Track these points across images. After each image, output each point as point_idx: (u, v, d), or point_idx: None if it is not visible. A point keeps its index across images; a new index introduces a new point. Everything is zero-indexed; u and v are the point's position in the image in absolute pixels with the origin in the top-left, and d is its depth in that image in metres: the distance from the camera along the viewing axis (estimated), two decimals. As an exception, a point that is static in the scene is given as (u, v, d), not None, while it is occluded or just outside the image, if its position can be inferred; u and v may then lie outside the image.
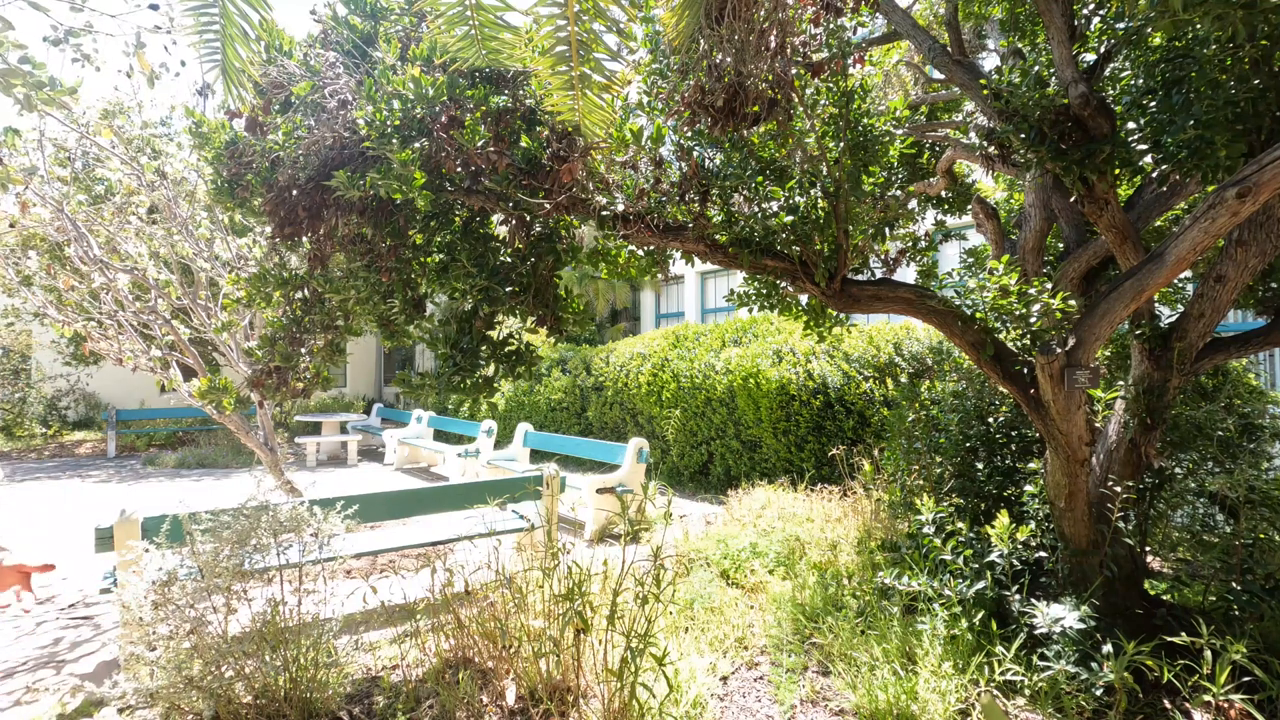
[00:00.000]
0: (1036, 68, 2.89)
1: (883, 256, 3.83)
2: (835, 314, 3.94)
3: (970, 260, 4.45)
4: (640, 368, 8.59)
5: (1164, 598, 3.37)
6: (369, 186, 2.96)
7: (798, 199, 3.10)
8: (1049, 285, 2.74)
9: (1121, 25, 2.86)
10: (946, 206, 4.69)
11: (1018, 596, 2.86)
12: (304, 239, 3.71)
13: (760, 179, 3.14)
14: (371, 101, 2.85)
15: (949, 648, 2.78)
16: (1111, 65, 3.04)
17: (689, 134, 3.20)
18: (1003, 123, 2.67)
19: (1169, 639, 2.62)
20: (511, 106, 2.96)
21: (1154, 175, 2.79)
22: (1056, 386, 2.66)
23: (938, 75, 4.48)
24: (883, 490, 4.64)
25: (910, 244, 4.41)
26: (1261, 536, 3.17)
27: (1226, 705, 2.49)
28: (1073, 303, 2.65)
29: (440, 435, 10.96)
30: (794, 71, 2.77)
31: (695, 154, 3.23)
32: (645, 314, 14.44)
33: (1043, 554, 3.15)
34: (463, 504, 3.84)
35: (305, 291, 3.95)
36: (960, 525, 3.11)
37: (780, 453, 6.78)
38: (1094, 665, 2.50)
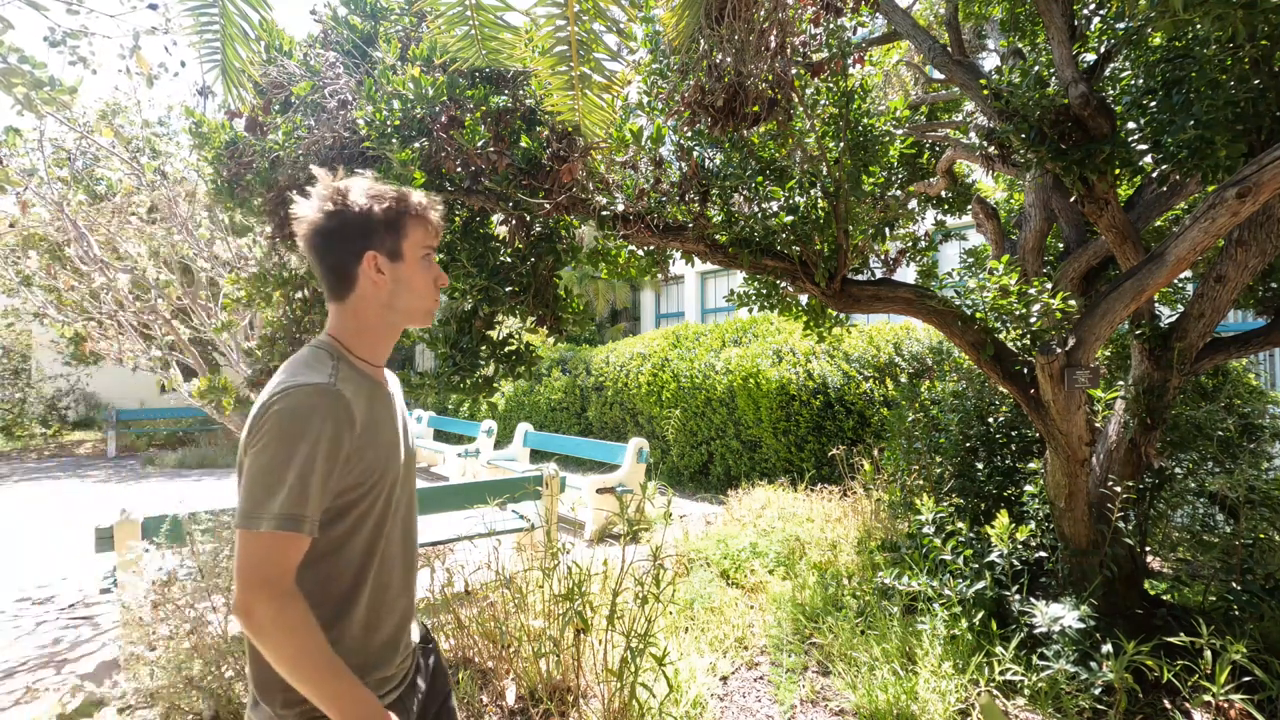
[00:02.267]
0: (1036, 68, 2.89)
1: (883, 256, 3.84)
2: (835, 314, 3.94)
3: (970, 260, 4.45)
4: (640, 368, 8.59)
5: (1164, 598, 3.37)
6: (369, 186, 2.96)
7: (798, 199, 3.10)
8: (1049, 285, 2.74)
9: (1121, 25, 2.86)
10: (946, 206, 4.69)
11: (1018, 596, 2.86)
12: (304, 239, 3.70)
13: (760, 179, 3.14)
14: (371, 101, 2.85)
15: (949, 648, 2.78)
16: (1111, 65, 3.04)
17: (689, 134, 3.20)
18: (1003, 123, 2.67)
19: (1169, 639, 2.62)
20: (511, 106, 2.96)
21: (1154, 175, 2.79)
22: (1056, 386, 2.66)
23: (938, 75, 4.48)
24: (883, 490, 4.64)
25: (910, 244, 4.41)
26: (1261, 536, 3.17)
27: (1226, 705, 2.49)
28: (1073, 303, 2.65)
29: (440, 435, 10.96)
30: (794, 71, 2.77)
31: (695, 154, 3.23)
32: (645, 314, 14.44)
33: (1043, 554, 3.15)
34: (463, 504, 3.84)
35: (305, 291, 3.95)
36: (960, 525, 3.11)
37: (780, 453, 6.78)
38: (1094, 665, 2.50)
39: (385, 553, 1.15)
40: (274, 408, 0.99)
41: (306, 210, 1.12)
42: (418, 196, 1.16)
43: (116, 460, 10.92)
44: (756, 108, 2.69)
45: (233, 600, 0.97)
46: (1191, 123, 2.29)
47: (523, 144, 2.90)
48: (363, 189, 1.12)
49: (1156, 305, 3.45)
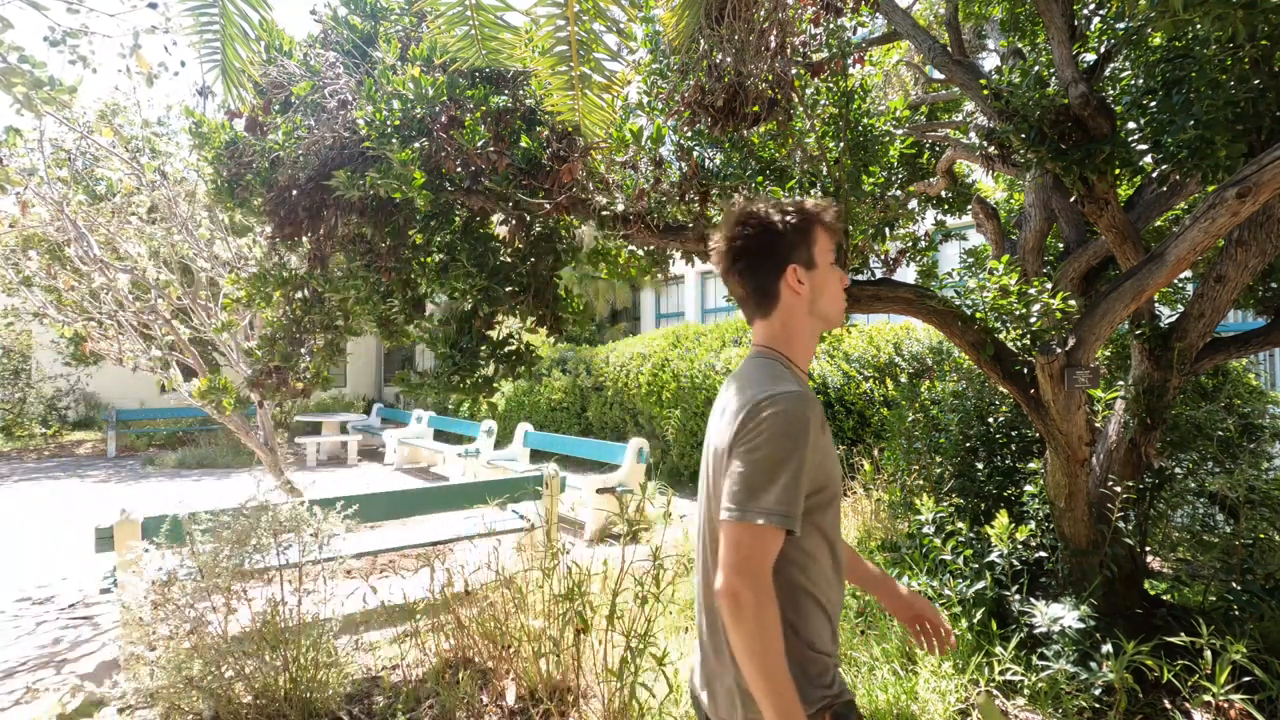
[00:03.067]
0: (1036, 68, 2.89)
1: (883, 256, 3.83)
2: (835, 314, 3.93)
3: (970, 260, 4.45)
4: (640, 368, 8.59)
5: (1164, 598, 3.37)
6: (369, 186, 2.96)
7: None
8: (1049, 285, 2.74)
9: (1121, 25, 2.86)
10: (946, 206, 4.69)
11: (1018, 596, 2.86)
12: (304, 239, 3.71)
13: (760, 179, 3.14)
14: (371, 101, 2.85)
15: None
16: (1111, 65, 3.04)
17: (689, 134, 3.20)
18: (1003, 123, 2.67)
19: (1169, 639, 2.62)
20: (511, 106, 2.96)
21: (1154, 175, 2.79)
22: (1056, 386, 2.66)
23: (938, 75, 4.48)
24: (883, 490, 4.64)
25: (910, 244, 4.40)
26: (1261, 536, 3.17)
27: (1226, 705, 2.49)
28: (1073, 303, 2.65)
29: (440, 435, 10.97)
30: (794, 71, 2.77)
31: (695, 154, 3.23)
32: (645, 314, 14.44)
33: (1043, 554, 3.15)
34: (463, 504, 3.84)
35: (305, 291, 3.96)
36: (960, 525, 3.11)
37: (780, 453, 6.77)
38: (1094, 665, 2.50)
39: (837, 558, 1.20)
40: (767, 411, 1.06)
41: (726, 240, 1.21)
42: (819, 204, 1.22)
43: (116, 460, 10.91)
44: (756, 108, 2.69)
45: (718, 586, 1.03)
46: (1191, 123, 2.29)
47: (523, 144, 2.91)
48: (772, 207, 1.20)
49: (1156, 305, 3.45)
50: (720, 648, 1.16)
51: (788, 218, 1.18)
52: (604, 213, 3.04)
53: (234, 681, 2.50)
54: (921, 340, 6.22)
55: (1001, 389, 3.60)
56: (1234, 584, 2.99)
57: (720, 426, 1.15)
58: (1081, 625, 2.54)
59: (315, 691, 2.59)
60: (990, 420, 3.88)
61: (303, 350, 4.00)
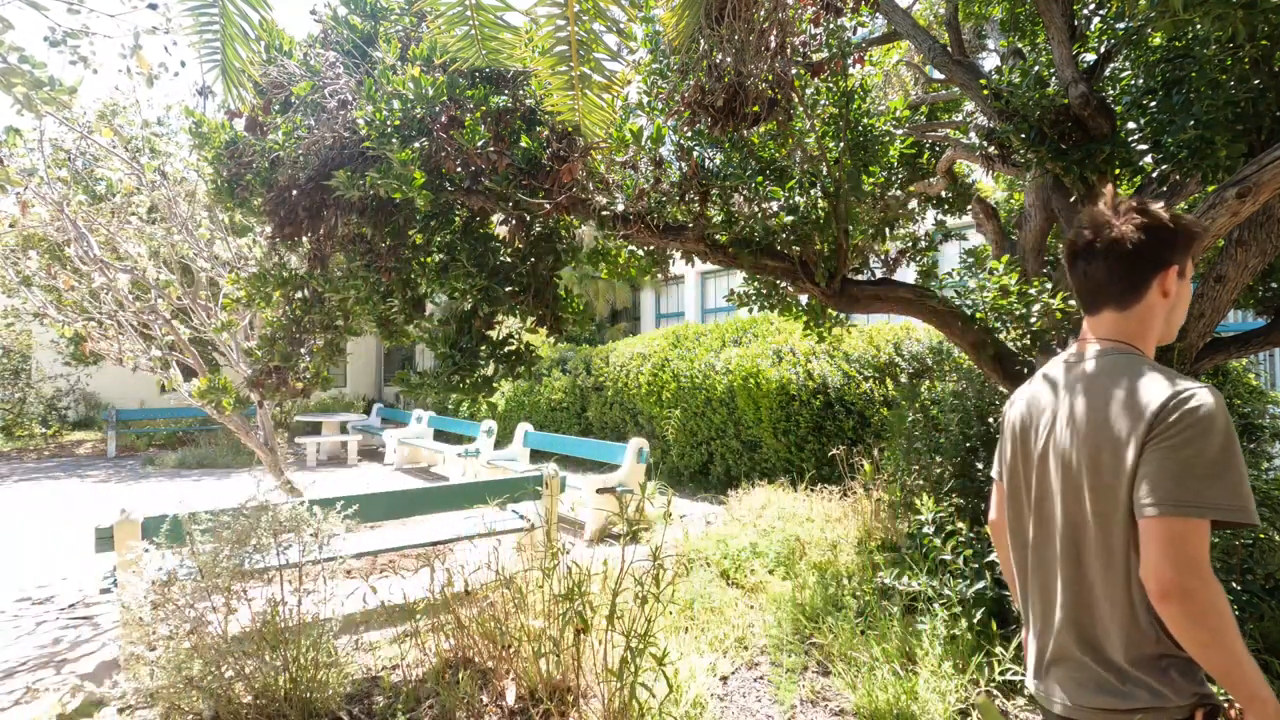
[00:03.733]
0: (1036, 68, 2.89)
1: (883, 256, 3.84)
2: (835, 314, 3.94)
3: (970, 260, 4.45)
4: (640, 368, 8.59)
5: (1164, 598, 3.36)
6: (369, 186, 2.96)
7: (798, 199, 3.10)
8: (1049, 285, 2.74)
9: (1121, 25, 2.86)
10: (946, 206, 4.69)
11: (1018, 596, 2.85)
12: (304, 239, 3.71)
13: (760, 179, 3.14)
14: (371, 101, 2.85)
15: (949, 648, 2.78)
16: (1111, 65, 3.04)
17: (689, 134, 3.21)
18: (1003, 123, 2.67)
19: (1169, 639, 2.62)
20: (511, 106, 2.96)
21: (1154, 175, 2.79)
22: (1056, 386, 2.66)
23: (938, 75, 4.48)
24: (883, 490, 4.64)
25: (910, 244, 4.41)
26: (1261, 536, 3.17)
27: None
28: (1073, 302, 2.65)
29: (440, 435, 10.97)
30: (794, 71, 2.77)
31: (695, 154, 3.23)
32: (645, 314, 14.44)
33: (1043, 554, 3.15)
34: (463, 504, 3.84)
35: (305, 291, 3.96)
36: (960, 525, 3.11)
37: (780, 453, 6.78)
38: (1094, 665, 2.50)
39: None
40: (1189, 405, 1.05)
41: (1121, 224, 1.20)
42: (1196, 220, 1.25)
43: (116, 460, 10.91)
44: (756, 108, 2.69)
45: (1159, 586, 1.02)
46: (1191, 123, 2.29)
47: (523, 144, 2.91)
48: (1162, 209, 1.20)
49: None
50: (1095, 641, 1.16)
51: (1181, 223, 1.19)
52: (604, 213, 3.04)
53: (234, 681, 2.50)
54: (921, 340, 6.22)
55: (1002, 389, 3.59)
56: (1234, 584, 2.99)
57: (1096, 424, 1.14)
58: (1081, 625, 2.54)
59: (315, 691, 2.59)
60: (990, 420, 3.88)
61: (303, 350, 4.00)
